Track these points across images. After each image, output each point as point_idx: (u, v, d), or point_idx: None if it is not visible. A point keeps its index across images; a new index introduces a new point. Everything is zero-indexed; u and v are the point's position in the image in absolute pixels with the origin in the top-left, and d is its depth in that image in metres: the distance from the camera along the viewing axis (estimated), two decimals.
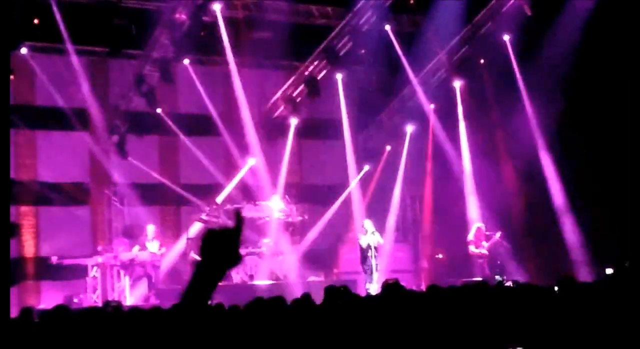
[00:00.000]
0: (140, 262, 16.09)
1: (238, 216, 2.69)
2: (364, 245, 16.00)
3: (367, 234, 16.03)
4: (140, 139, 18.03)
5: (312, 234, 18.76)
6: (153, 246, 16.13)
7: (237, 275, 16.59)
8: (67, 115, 17.23)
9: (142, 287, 16.27)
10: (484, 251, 16.50)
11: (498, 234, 16.64)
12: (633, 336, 4.92)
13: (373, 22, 17.24)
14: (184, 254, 16.80)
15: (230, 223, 2.71)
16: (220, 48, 16.97)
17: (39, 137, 17.71)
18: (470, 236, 16.65)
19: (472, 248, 16.58)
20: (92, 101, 17.40)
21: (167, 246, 16.98)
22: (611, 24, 15.75)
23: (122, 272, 16.41)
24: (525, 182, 17.86)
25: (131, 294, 16.22)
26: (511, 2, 17.09)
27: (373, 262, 15.85)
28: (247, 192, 18.45)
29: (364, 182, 19.60)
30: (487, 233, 16.67)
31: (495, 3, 17.41)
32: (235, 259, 2.66)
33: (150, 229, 16.30)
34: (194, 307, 2.66)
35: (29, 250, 17.26)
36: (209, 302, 2.73)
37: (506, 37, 17.57)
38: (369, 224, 16.25)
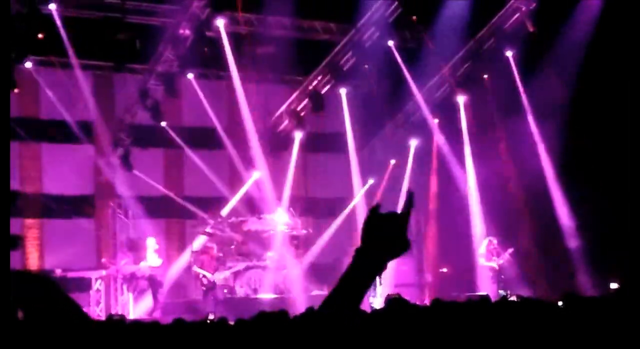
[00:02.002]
0: (143, 275, 16.08)
1: (410, 199, 2.33)
2: None
3: None
4: (144, 152, 18.07)
5: (317, 247, 18.73)
6: (152, 259, 16.13)
7: (241, 289, 16.57)
8: (72, 128, 17.28)
9: (146, 301, 16.25)
10: (494, 265, 16.48)
11: (510, 251, 16.60)
12: None
13: (376, 37, 17.32)
14: (188, 268, 16.79)
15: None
16: (224, 63, 17.05)
17: (44, 150, 17.76)
18: (482, 250, 16.67)
19: (482, 261, 16.57)
20: (96, 114, 17.46)
21: (171, 259, 16.94)
22: (615, 37, 15.76)
23: (125, 285, 16.40)
24: (530, 197, 17.83)
25: (135, 308, 16.20)
26: (514, 18, 17.18)
27: None
28: (251, 205, 18.46)
29: (368, 196, 19.59)
30: (493, 247, 16.64)
31: (498, 19, 17.50)
32: (404, 246, 2.31)
33: (150, 242, 16.31)
34: (343, 306, 2.27)
35: (33, 262, 17.25)
36: (361, 301, 2.33)
37: (509, 53, 17.67)
38: None
